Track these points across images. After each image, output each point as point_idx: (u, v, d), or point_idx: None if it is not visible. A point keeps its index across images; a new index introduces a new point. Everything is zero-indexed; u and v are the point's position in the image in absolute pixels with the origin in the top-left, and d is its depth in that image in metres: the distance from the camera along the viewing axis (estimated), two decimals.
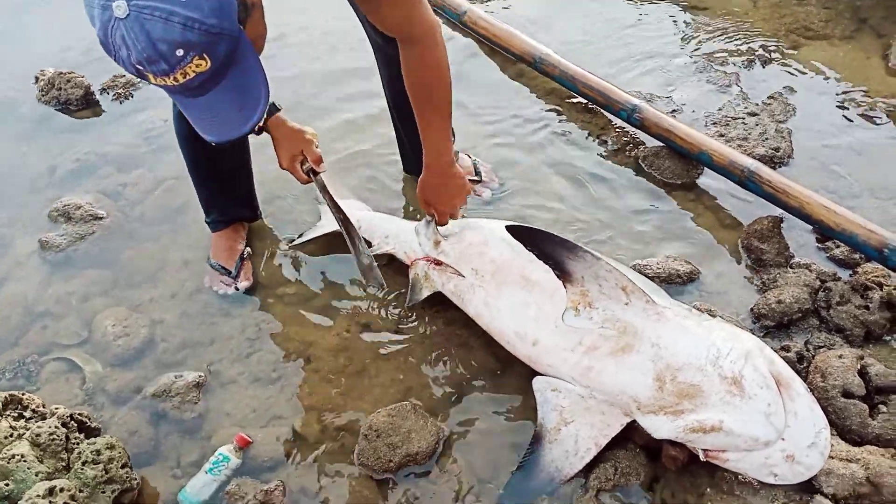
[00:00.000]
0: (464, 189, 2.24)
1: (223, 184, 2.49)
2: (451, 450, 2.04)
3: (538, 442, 1.95)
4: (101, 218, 2.81)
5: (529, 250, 1.97)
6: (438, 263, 2.27)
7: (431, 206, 2.24)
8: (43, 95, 3.44)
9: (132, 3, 1.28)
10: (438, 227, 2.30)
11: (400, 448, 1.97)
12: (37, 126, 3.34)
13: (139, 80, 1.40)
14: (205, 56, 1.36)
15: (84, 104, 3.42)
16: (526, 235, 1.98)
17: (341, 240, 2.56)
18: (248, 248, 2.57)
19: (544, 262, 1.95)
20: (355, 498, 1.95)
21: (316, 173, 2.24)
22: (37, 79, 3.51)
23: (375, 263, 2.33)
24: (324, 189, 2.27)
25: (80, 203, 2.84)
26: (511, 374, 2.17)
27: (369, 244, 2.49)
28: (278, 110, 2.12)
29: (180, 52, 1.33)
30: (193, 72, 1.37)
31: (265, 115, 1.90)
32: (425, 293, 2.31)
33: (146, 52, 1.31)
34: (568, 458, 1.91)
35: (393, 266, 2.49)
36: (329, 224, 2.59)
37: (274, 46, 3.10)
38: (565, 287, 1.95)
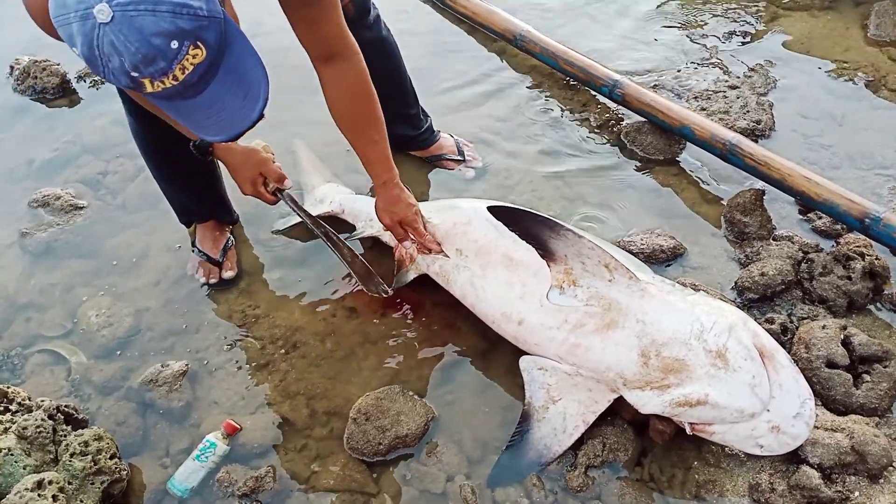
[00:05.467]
0: (413, 204, 2.19)
1: (192, 186, 2.43)
2: (440, 431, 2.04)
3: (526, 420, 1.96)
4: (81, 207, 2.79)
5: (512, 231, 1.97)
6: (423, 245, 2.26)
7: (398, 222, 2.19)
8: (18, 85, 3.40)
9: (113, 3, 1.21)
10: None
11: (389, 431, 1.98)
12: (13, 116, 3.29)
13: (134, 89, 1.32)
14: (199, 44, 1.29)
15: (60, 92, 3.38)
16: (507, 215, 1.98)
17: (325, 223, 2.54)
18: (233, 238, 2.55)
19: (527, 241, 1.95)
20: (346, 482, 1.95)
21: (282, 191, 2.15)
22: (11, 68, 3.46)
23: (372, 270, 2.30)
24: (296, 205, 2.21)
25: (60, 193, 2.81)
26: (498, 354, 2.18)
27: (353, 228, 2.49)
28: None
29: (175, 45, 1.25)
30: (191, 64, 1.30)
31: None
32: (411, 275, 2.31)
33: (142, 50, 1.23)
34: (556, 436, 1.92)
35: (377, 248, 2.48)
36: (311, 208, 2.58)
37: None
38: (549, 266, 1.95)
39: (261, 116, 1.44)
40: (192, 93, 1.37)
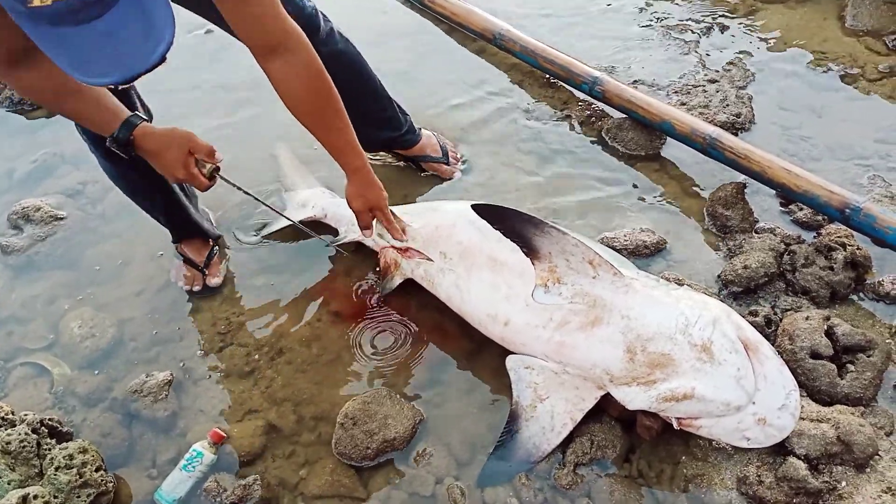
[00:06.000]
0: (382, 190, 2.16)
1: (172, 215, 2.45)
2: (428, 433, 2.04)
3: (514, 420, 1.96)
4: (61, 218, 2.77)
5: (496, 228, 1.96)
6: (406, 251, 2.26)
7: (372, 209, 2.16)
8: None
9: None
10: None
11: (377, 435, 1.97)
12: None
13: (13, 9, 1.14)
14: None
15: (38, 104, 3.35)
16: (491, 213, 1.98)
17: (307, 228, 2.54)
18: (217, 246, 2.54)
19: (511, 239, 1.94)
20: (334, 487, 1.94)
21: (218, 169, 1.99)
22: None
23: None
24: (233, 183, 2.12)
25: (40, 204, 2.79)
26: (485, 355, 2.17)
27: (336, 232, 2.49)
28: (146, 120, 1.87)
29: None
30: None
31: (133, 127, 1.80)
32: (397, 281, 2.30)
33: None
34: (545, 435, 1.92)
35: (361, 253, 2.48)
36: (293, 214, 2.57)
37: None
38: (533, 264, 1.94)
39: (162, 59, 1.27)
40: (85, 16, 1.19)
